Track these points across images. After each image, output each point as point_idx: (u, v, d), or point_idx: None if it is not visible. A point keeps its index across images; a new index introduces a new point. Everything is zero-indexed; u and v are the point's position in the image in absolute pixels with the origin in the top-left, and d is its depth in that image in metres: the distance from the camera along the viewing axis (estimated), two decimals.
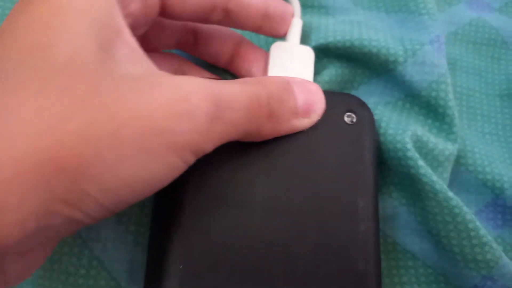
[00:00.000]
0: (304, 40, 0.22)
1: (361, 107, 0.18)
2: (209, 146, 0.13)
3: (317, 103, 0.17)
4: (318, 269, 0.16)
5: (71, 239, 0.19)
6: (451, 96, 0.20)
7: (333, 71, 0.21)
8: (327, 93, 0.18)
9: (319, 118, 0.17)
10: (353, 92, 0.21)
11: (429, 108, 0.21)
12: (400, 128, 0.19)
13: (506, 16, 0.26)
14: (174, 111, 0.12)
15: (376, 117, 0.20)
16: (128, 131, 0.11)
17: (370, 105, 0.19)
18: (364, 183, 0.17)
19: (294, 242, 0.16)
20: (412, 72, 0.20)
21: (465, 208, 0.18)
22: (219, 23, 0.18)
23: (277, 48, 0.20)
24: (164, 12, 0.16)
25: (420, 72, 0.20)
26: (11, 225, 0.10)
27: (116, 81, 0.12)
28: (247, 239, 0.16)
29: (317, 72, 0.21)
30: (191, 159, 0.13)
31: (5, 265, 0.11)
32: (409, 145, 0.19)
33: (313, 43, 0.21)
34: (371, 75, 0.22)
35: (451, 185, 0.22)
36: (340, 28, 0.21)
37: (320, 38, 0.21)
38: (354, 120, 0.18)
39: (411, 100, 0.21)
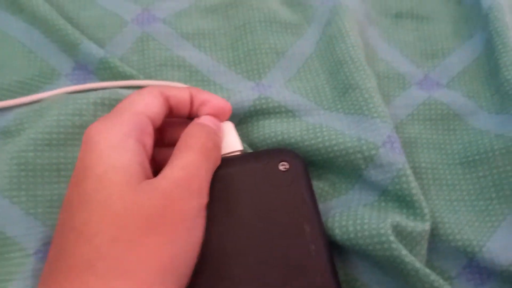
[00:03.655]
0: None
1: (291, 157, 0.23)
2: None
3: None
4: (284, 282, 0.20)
5: None
6: (413, 184, 0.24)
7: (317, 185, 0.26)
8: (265, 151, 0.24)
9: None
10: (334, 201, 0.25)
11: (399, 199, 0.24)
12: (381, 218, 0.23)
13: (453, 90, 0.30)
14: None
15: (359, 214, 0.23)
16: None
17: (352, 207, 0.23)
18: (307, 213, 0.22)
19: (263, 267, 0.20)
20: (376, 174, 0.24)
21: (441, 281, 0.21)
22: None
23: None
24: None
25: (381, 172, 0.24)
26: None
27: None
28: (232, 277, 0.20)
29: None
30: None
31: None
32: (390, 231, 0.22)
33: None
34: (347, 186, 0.26)
35: (430, 253, 0.25)
36: (310, 141, 0.25)
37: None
38: (287, 167, 0.23)
39: (384, 198, 0.24)
